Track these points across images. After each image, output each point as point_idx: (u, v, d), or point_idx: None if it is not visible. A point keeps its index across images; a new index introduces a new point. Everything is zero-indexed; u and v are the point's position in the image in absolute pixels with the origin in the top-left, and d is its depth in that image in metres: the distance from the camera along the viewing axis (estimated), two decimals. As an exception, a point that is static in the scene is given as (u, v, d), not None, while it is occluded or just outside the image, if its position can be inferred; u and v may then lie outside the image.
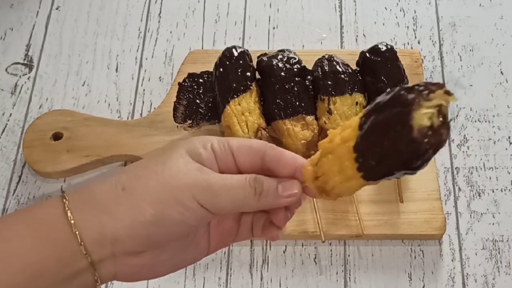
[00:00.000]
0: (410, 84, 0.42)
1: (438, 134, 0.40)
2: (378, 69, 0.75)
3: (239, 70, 0.74)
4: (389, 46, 0.76)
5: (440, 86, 0.41)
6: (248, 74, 0.75)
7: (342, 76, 0.74)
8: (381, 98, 0.43)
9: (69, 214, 0.44)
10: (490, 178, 0.76)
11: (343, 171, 0.44)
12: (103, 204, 0.45)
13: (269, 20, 0.89)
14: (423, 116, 0.40)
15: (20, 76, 0.84)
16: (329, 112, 0.72)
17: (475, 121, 0.80)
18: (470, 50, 0.85)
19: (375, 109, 0.43)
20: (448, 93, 0.40)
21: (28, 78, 0.84)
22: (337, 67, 0.75)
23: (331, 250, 0.72)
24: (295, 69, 0.75)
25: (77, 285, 0.45)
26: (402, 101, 0.40)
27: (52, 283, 0.44)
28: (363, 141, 0.43)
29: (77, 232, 0.44)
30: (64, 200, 0.45)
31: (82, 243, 0.44)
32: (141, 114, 0.81)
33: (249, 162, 0.49)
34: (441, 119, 0.40)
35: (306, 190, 0.49)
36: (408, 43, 0.86)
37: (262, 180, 0.47)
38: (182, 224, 0.46)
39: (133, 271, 0.47)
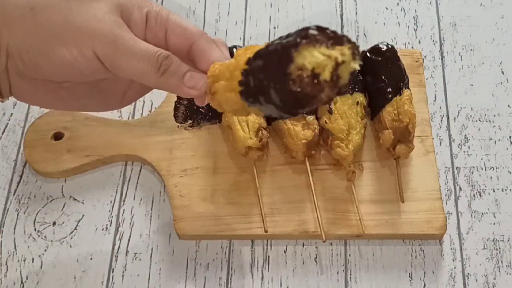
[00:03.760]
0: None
1: (317, 87, 0.37)
2: (379, 69, 0.75)
3: (240, 70, 0.74)
4: (389, 46, 0.76)
5: (350, 42, 0.37)
6: (249, 73, 0.74)
7: (343, 75, 0.74)
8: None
9: None
10: (491, 178, 0.76)
11: (230, 79, 0.44)
12: (7, 17, 0.45)
13: (270, 20, 0.88)
14: (307, 57, 0.37)
15: (21, 76, 0.84)
16: (330, 111, 0.72)
17: (476, 121, 0.80)
18: (470, 50, 0.85)
19: (281, 37, 0.41)
20: (354, 55, 0.37)
21: (29, 78, 0.84)
22: (338, 66, 0.75)
23: (331, 250, 0.72)
24: (296, 69, 0.75)
25: None
26: (303, 35, 0.38)
27: None
28: (255, 61, 0.42)
29: None
30: None
31: None
32: (141, 114, 0.81)
33: (178, 45, 0.46)
34: (331, 76, 0.37)
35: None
36: (408, 43, 0.86)
37: (173, 60, 0.45)
38: (72, 68, 0.45)
39: (26, 94, 0.48)
